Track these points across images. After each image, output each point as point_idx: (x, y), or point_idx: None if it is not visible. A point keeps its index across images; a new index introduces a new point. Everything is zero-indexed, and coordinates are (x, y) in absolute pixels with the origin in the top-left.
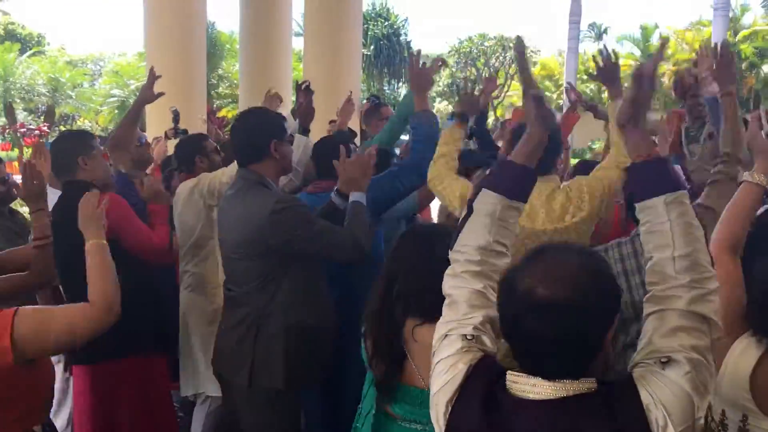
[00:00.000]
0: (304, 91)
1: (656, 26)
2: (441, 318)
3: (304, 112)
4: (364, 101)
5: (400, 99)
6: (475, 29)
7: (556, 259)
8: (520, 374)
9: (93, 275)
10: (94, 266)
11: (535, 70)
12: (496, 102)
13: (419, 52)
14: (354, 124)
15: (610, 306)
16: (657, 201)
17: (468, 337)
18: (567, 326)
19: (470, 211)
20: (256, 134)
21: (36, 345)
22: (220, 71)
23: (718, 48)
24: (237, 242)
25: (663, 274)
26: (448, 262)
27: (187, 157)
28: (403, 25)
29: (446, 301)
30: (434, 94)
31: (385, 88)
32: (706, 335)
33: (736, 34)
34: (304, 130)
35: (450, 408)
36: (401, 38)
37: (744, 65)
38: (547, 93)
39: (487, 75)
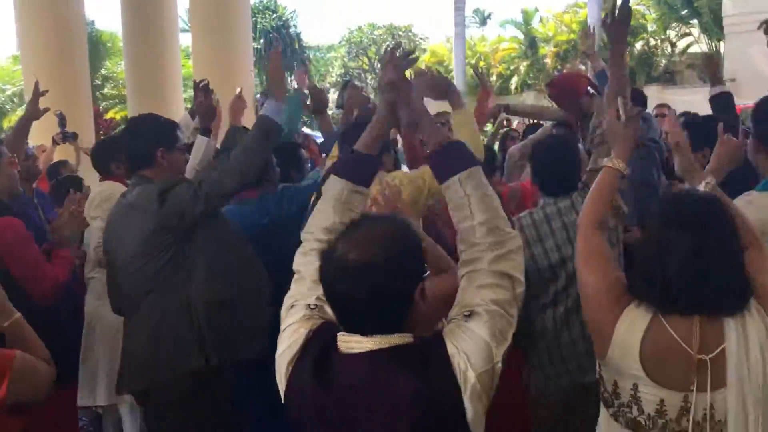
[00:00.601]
0: (202, 89)
1: (536, 10)
2: (289, 292)
3: (204, 112)
4: (258, 95)
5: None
6: (364, 19)
7: (366, 228)
8: (347, 333)
9: (27, 346)
10: (24, 341)
11: (426, 57)
12: None
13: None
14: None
15: (414, 266)
16: (454, 179)
17: (311, 307)
18: (375, 285)
19: (319, 195)
20: (143, 142)
21: (29, 392)
22: (104, 71)
23: (618, 4)
24: (136, 244)
25: (468, 242)
26: None
27: (102, 165)
28: (292, 17)
29: (295, 277)
30: (327, 85)
31: None
32: (508, 290)
33: None
34: (205, 131)
35: (290, 369)
36: (291, 30)
37: None
38: None
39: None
